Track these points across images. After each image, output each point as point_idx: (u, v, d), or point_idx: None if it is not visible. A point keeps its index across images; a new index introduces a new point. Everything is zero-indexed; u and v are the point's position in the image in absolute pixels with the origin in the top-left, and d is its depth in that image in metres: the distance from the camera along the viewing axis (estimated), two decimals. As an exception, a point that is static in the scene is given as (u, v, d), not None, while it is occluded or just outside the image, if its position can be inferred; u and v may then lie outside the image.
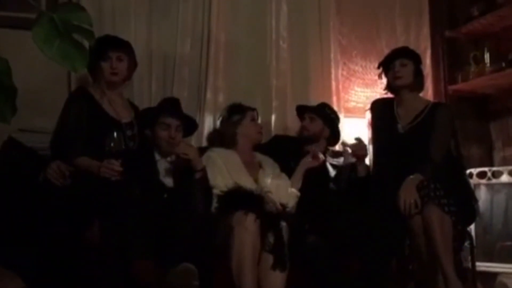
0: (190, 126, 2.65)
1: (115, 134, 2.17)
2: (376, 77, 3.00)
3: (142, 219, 2.08)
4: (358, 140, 2.78)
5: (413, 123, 2.69)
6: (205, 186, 2.45)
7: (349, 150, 2.80)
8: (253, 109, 2.85)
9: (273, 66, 3.31)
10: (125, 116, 2.53)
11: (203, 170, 2.46)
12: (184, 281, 2.04)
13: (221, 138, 2.79)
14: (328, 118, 2.93)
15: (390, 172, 2.61)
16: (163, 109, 2.56)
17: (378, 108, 2.86)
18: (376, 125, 2.85)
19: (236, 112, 2.81)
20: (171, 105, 2.60)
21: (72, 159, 2.26)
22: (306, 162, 2.76)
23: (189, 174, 2.40)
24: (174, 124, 2.51)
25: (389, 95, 2.88)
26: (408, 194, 2.38)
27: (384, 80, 2.86)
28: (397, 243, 2.52)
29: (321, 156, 2.78)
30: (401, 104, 2.75)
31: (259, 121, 2.91)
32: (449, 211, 2.35)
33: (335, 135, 2.98)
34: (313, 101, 3.16)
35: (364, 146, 2.77)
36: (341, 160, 2.96)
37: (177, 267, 2.08)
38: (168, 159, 2.54)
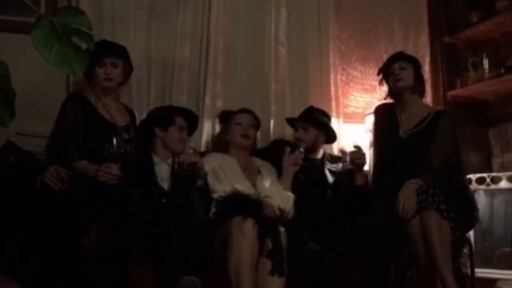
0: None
1: (114, 138, 2.16)
2: (375, 83, 3.01)
3: (140, 225, 2.08)
4: (357, 148, 2.77)
5: (415, 129, 2.69)
6: (206, 192, 2.45)
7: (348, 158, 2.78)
8: (247, 111, 2.84)
9: (272, 71, 3.31)
10: (121, 120, 2.53)
11: (205, 177, 2.46)
12: None
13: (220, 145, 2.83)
14: (320, 123, 2.91)
15: (390, 177, 2.61)
16: (179, 110, 2.63)
17: (381, 113, 2.86)
18: (377, 130, 2.85)
19: (222, 119, 2.87)
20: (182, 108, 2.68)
21: (69, 163, 2.25)
22: (289, 169, 2.70)
23: (190, 181, 2.40)
24: (186, 126, 2.58)
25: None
26: (407, 197, 2.38)
27: (384, 87, 2.86)
28: (395, 249, 2.52)
29: (302, 150, 2.72)
30: (403, 109, 2.76)
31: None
32: (448, 217, 2.35)
33: (331, 136, 2.98)
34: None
35: (363, 154, 2.76)
36: (339, 166, 2.96)
37: (181, 280, 2.06)
38: (169, 161, 2.55)
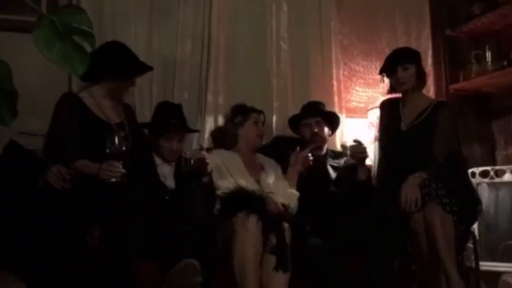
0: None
1: (115, 136, 2.16)
2: (378, 77, 2.99)
3: (143, 221, 2.08)
4: (357, 142, 2.77)
5: (416, 121, 2.69)
6: (211, 189, 2.46)
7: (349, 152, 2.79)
8: (259, 112, 2.85)
9: (274, 67, 3.30)
10: (114, 118, 2.50)
11: (211, 174, 2.46)
12: (187, 277, 2.04)
13: (223, 137, 2.82)
14: (332, 115, 2.98)
15: (393, 171, 2.61)
16: (169, 122, 2.59)
17: (385, 108, 2.86)
18: (382, 124, 2.86)
19: (240, 113, 2.82)
20: (173, 113, 2.63)
21: (70, 162, 2.24)
22: (296, 166, 2.74)
23: (195, 177, 2.40)
24: (177, 137, 2.56)
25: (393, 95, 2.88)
26: (410, 191, 2.38)
27: (386, 82, 2.85)
28: (399, 244, 2.52)
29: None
30: (406, 104, 2.76)
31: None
32: (451, 211, 2.34)
33: (335, 127, 3.04)
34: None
35: (364, 148, 2.76)
36: (341, 161, 2.96)
37: (181, 263, 2.07)
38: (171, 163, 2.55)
